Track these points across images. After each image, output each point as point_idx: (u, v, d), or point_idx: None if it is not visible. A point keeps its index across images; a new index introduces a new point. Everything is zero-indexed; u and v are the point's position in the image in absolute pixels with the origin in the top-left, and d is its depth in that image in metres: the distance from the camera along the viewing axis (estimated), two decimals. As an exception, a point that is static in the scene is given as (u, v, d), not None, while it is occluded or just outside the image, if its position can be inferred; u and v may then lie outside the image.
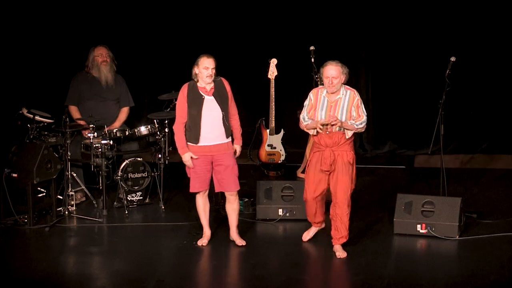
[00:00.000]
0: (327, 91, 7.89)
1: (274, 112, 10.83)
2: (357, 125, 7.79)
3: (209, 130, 7.98)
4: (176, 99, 9.51)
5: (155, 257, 8.02)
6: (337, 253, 7.92)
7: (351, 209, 7.94)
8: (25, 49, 11.09)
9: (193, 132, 7.99)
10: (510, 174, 10.85)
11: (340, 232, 7.92)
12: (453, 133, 11.17)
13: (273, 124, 10.87)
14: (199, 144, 7.99)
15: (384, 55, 11.76)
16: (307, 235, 8.33)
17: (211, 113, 7.98)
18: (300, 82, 11.05)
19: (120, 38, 11.46)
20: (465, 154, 11.64)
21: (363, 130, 7.94)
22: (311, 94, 7.98)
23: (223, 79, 8.10)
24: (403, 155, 11.83)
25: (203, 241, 8.18)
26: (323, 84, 10.59)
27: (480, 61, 11.44)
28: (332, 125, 7.76)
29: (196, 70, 7.98)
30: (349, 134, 7.81)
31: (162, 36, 11.90)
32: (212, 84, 8.02)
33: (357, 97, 7.85)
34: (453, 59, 8.92)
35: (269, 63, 10.75)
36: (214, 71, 7.96)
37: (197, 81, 8.00)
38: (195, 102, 7.97)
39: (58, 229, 8.88)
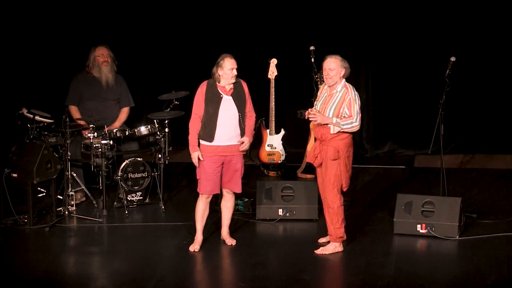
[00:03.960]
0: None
1: (274, 112, 10.83)
2: (342, 125, 7.76)
3: (224, 130, 7.98)
4: (176, 99, 9.57)
5: (155, 257, 8.02)
6: (321, 247, 8.00)
7: (346, 210, 8.07)
8: (25, 49, 11.10)
9: (208, 130, 7.99)
10: (510, 174, 10.85)
11: (328, 228, 7.98)
12: (453, 133, 11.17)
13: (273, 124, 10.87)
14: (213, 143, 8.00)
15: (384, 55, 11.76)
16: (322, 239, 8.27)
17: (228, 112, 7.99)
18: (300, 82, 11.06)
19: (121, 38, 11.46)
20: (465, 154, 11.64)
21: (354, 131, 7.81)
22: (320, 88, 8.10)
23: (242, 80, 8.11)
24: (403, 155, 11.83)
25: (194, 247, 8.15)
26: (322, 84, 10.68)
27: (480, 61, 11.44)
28: (309, 119, 7.86)
29: (219, 71, 7.95)
30: (334, 130, 7.79)
31: (162, 36, 11.90)
32: (232, 85, 8.04)
33: (349, 95, 7.80)
34: (453, 59, 8.92)
35: (269, 63, 10.75)
36: (235, 71, 7.99)
37: (217, 80, 8.00)
38: (213, 101, 7.98)
39: (58, 229, 8.88)
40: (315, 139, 8.03)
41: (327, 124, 7.78)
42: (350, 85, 7.90)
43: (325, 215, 8.02)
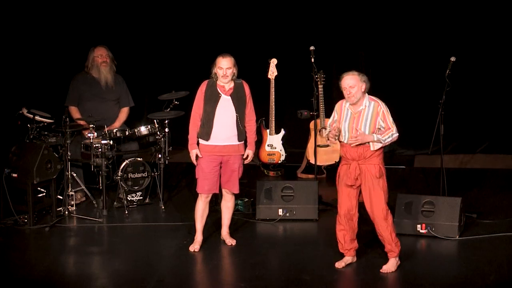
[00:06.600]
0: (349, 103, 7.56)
1: (274, 112, 10.83)
2: (384, 140, 7.45)
3: (221, 129, 7.98)
4: (176, 99, 9.58)
5: (155, 257, 8.02)
6: (383, 266, 7.61)
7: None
8: (25, 49, 11.10)
9: (205, 128, 8.00)
10: (510, 174, 10.85)
11: (386, 246, 7.64)
12: (453, 133, 11.16)
13: (273, 124, 10.87)
14: (210, 143, 8.00)
15: (384, 55, 11.76)
16: (340, 264, 7.75)
17: (226, 112, 7.98)
18: (300, 82, 11.05)
19: (120, 38, 11.47)
20: (465, 154, 11.64)
21: (395, 140, 7.58)
22: (336, 108, 7.65)
23: (244, 82, 8.09)
24: (403, 155, 11.83)
25: (194, 247, 8.15)
26: (323, 85, 10.67)
27: (480, 61, 11.44)
28: (351, 145, 7.44)
29: (215, 69, 7.98)
30: (375, 147, 7.46)
31: (162, 36, 11.90)
32: (232, 85, 8.02)
33: (382, 108, 7.53)
34: (453, 59, 8.92)
35: (269, 63, 10.76)
36: (230, 71, 7.92)
37: (217, 79, 8.01)
38: (212, 99, 7.98)
39: (58, 229, 8.88)
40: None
41: (368, 143, 7.44)
42: (375, 97, 7.63)
43: (382, 232, 7.59)
